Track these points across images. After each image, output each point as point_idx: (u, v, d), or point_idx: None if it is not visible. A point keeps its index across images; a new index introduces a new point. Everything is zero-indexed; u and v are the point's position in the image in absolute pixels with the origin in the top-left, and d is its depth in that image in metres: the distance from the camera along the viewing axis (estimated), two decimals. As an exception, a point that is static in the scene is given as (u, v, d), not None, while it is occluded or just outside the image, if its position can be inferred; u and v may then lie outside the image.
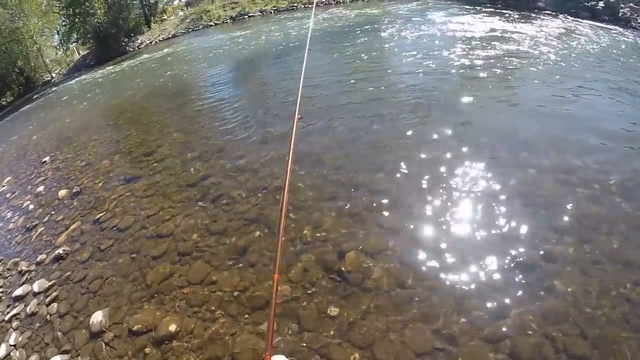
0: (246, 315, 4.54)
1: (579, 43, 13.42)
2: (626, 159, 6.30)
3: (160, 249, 5.79)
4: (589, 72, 10.40)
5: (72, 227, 7.14)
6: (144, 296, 5.17)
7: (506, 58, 11.77)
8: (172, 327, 4.59)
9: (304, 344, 4.12)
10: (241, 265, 5.18)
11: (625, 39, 14.07)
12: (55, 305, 5.56)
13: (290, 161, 3.07)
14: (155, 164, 8.46)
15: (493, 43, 13.48)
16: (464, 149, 6.73)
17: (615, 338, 3.86)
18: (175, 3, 48.85)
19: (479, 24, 16.67)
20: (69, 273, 6.04)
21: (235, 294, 4.83)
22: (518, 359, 3.78)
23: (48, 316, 5.42)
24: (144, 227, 6.39)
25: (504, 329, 3.99)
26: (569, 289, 4.31)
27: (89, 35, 38.31)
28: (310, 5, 34.18)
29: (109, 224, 6.76)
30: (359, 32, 18.30)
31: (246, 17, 36.77)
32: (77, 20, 37.48)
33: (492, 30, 15.40)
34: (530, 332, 3.94)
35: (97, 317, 5.00)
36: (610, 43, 13.50)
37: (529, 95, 8.96)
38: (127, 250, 6.03)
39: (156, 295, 5.14)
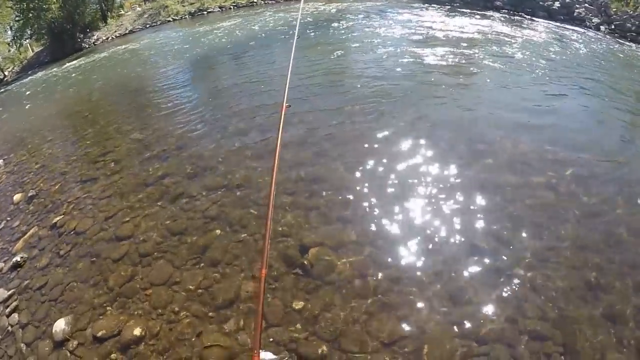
0: (211, 314, 4.54)
1: (533, 41, 13.85)
2: (580, 148, 6.58)
3: (121, 251, 5.71)
4: (543, 69, 10.87)
5: (29, 232, 6.96)
6: (106, 301, 5.09)
7: (462, 55, 12.15)
8: (137, 331, 4.53)
9: (271, 339, 4.16)
10: (203, 264, 5.16)
11: (579, 37, 14.55)
12: (15, 315, 5.43)
13: (277, 155, 3.05)
14: (112, 164, 8.29)
15: (449, 40, 13.89)
16: (422, 143, 6.93)
17: (576, 317, 4.05)
18: None
19: (438, 22, 16.94)
20: (28, 281, 5.89)
21: (199, 292, 4.82)
22: (483, 342, 3.92)
23: (9, 327, 5.28)
24: (102, 229, 6.28)
25: (467, 314, 4.13)
26: (528, 274, 4.47)
27: (43, 31, 36.85)
28: (269, 2, 33.91)
29: (67, 228, 6.62)
30: (325, 28, 18.21)
31: (205, 13, 36.07)
32: (30, 15, 36.02)
33: (449, 28, 15.72)
34: (493, 317, 4.08)
35: (60, 325, 4.90)
36: (564, 41, 14.02)
37: (484, 90, 9.38)
38: (87, 254, 5.91)
39: (119, 298, 5.07)
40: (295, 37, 5.79)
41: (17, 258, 6.30)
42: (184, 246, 5.50)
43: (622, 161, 6.55)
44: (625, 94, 9.79)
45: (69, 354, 4.61)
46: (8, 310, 5.52)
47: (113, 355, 4.43)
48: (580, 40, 14.56)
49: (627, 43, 15.09)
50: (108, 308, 5.00)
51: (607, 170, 6.26)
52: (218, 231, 5.59)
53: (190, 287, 4.89)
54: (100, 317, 4.90)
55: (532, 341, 3.93)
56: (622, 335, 3.97)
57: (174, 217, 6.05)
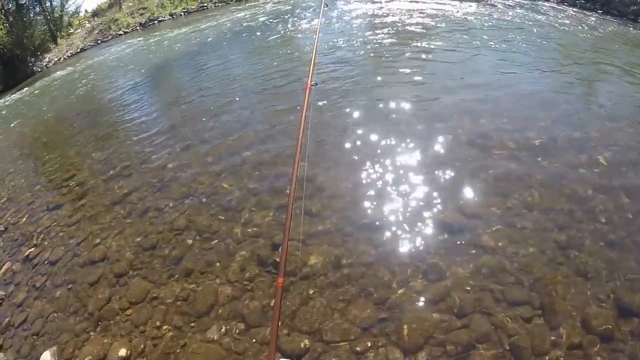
0: (192, 324, 4.53)
1: (493, 16, 14.02)
2: (537, 116, 6.72)
3: (96, 275, 5.66)
4: (499, 43, 11.06)
5: (3, 269, 6.85)
6: (88, 326, 5.04)
7: (419, 35, 12.38)
8: (123, 352, 4.50)
9: (254, 340, 4.18)
10: (178, 275, 5.13)
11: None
12: (1, 355, 5.40)
13: (298, 155, 3.01)
14: (77, 188, 8.18)
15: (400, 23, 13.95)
16: (382, 126, 7.01)
17: (550, 279, 4.12)
18: (82, 14, 46.50)
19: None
20: (8, 318, 5.80)
21: (178, 304, 4.80)
22: (461, 315, 3.98)
23: (-4, 368, 5.25)
24: (75, 255, 6.22)
25: (443, 289, 4.18)
26: (498, 243, 4.55)
27: (-7, 59, 36.13)
28: (220, 4, 33.63)
29: (40, 259, 6.53)
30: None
31: (156, 22, 35.70)
32: (-22, 43, 35.23)
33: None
34: (468, 288, 4.14)
35: (46, 358, 4.87)
36: (525, 17, 14.25)
37: (440, 70, 9.54)
38: (63, 282, 5.85)
39: (100, 322, 5.03)
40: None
41: (-6, 297, 6.23)
42: (157, 260, 5.46)
43: (578, 124, 6.71)
44: (578, 62, 10.04)
45: (58, 386, 4.58)
46: (-7, 351, 5.46)
47: (102, 380, 4.40)
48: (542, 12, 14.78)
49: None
50: (91, 333, 4.95)
51: (565, 134, 6.39)
52: (189, 241, 5.56)
53: (169, 300, 4.87)
54: (85, 343, 4.84)
55: (510, 308, 4.00)
56: (598, 290, 4.06)
57: (144, 233, 6.00)
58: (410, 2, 17.45)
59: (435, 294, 4.16)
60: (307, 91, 3.95)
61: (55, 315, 5.48)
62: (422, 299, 4.15)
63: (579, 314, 3.91)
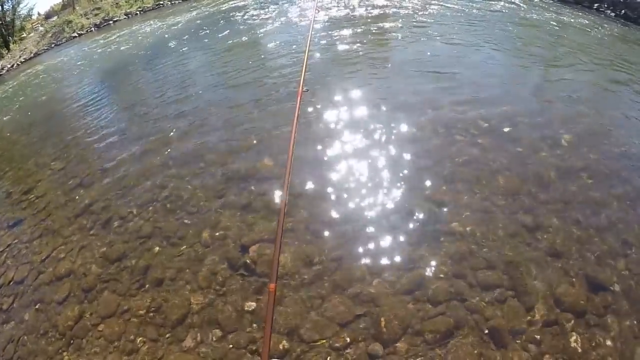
0: (167, 335, 4.44)
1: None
2: (498, 101, 6.82)
3: (64, 291, 5.48)
4: (461, 33, 11.10)
5: (-33, 293, 6.66)
6: (60, 347, 4.88)
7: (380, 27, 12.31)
8: (97, 370, 4.41)
9: (231, 346, 4.11)
10: (148, 285, 5.01)
11: None
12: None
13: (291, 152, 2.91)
14: (37, 201, 7.93)
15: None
16: (340, 119, 7.08)
17: (521, 260, 4.17)
18: (35, 17, 45.04)
19: None
20: (-24, 345, 5.65)
21: (151, 315, 4.69)
22: (437, 302, 3.99)
23: (-33, 401, 5.08)
24: (40, 272, 6.01)
25: (416, 280, 4.19)
26: (467, 229, 4.57)
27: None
28: (176, 1, 33.05)
29: (5, 280, 6.30)
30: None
31: (112, 22, 34.84)
32: None
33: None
34: (442, 276, 4.15)
35: (20, 384, 4.74)
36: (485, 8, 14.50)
37: (402, 60, 9.52)
38: (30, 302, 5.66)
39: (73, 341, 4.88)
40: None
41: (-41, 323, 6.01)
42: (125, 272, 5.32)
43: (539, 108, 6.82)
44: (536, 45, 10.24)
45: (34, 410, 4.45)
46: (-37, 382, 5.28)
47: (78, 401, 4.29)
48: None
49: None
50: (64, 354, 4.79)
51: (527, 119, 6.48)
52: (156, 248, 5.43)
53: (140, 312, 4.75)
54: (58, 365, 4.73)
55: (484, 291, 4.04)
56: (568, 268, 4.16)
57: (110, 244, 5.84)
58: None
59: (410, 284, 4.17)
60: (299, 98, 3.83)
61: (25, 338, 5.29)
62: (397, 289, 4.15)
63: (551, 292, 3.98)
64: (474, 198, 5.05)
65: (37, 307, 5.53)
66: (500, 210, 4.83)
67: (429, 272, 4.25)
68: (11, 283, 6.17)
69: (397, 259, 4.42)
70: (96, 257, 5.76)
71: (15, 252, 6.75)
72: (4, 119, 16.98)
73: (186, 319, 4.51)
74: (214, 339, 4.23)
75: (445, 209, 4.94)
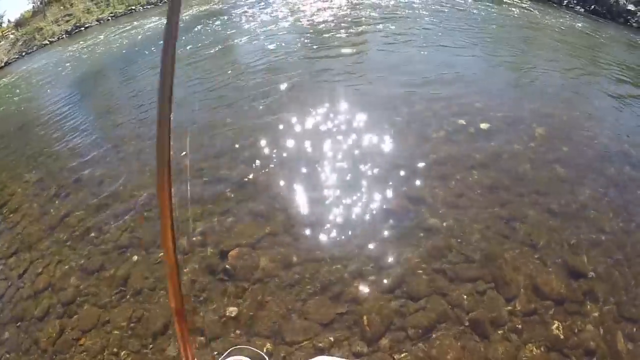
0: (151, 346, 4.39)
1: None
2: (469, 100, 6.90)
3: (43, 307, 5.39)
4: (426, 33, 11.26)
5: (-57, 316, 6.52)
6: (42, 363, 4.86)
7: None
8: (82, 385, 4.35)
9: (215, 353, 4.08)
10: (128, 295, 4.97)
11: None
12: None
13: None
14: (11, 215, 7.79)
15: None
16: (318, 120, 7.17)
17: (498, 253, 4.21)
18: (4, 25, 44.27)
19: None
20: (-45, 369, 5.53)
21: (132, 326, 4.65)
22: (418, 298, 4.02)
23: None
24: (19, 288, 5.90)
25: (396, 277, 4.21)
26: (444, 224, 4.61)
27: None
28: (148, 6, 32.87)
29: (-18, 298, 6.24)
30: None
31: (83, 29, 34.46)
32: None
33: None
34: (420, 271, 4.18)
35: (3, 405, 4.64)
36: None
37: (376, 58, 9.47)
38: (10, 320, 5.54)
39: (55, 357, 4.81)
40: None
41: (-64, 345, 5.87)
42: (104, 283, 5.26)
43: (512, 103, 6.92)
44: (512, 45, 10.39)
45: None
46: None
47: (63, 417, 4.22)
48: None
49: None
50: (47, 370, 4.76)
51: (500, 114, 6.57)
52: (135, 257, 5.39)
53: (122, 323, 4.70)
54: (43, 382, 4.66)
55: (463, 284, 4.09)
56: (546, 258, 4.23)
57: (87, 256, 5.76)
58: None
59: (390, 281, 4.20)
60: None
61: (8, 356, 5.21)
62: (377, 288, 4.17)
63: (530, 282, 4.04)
64: (450, 194, 5.12)
65: (17, 324, 5.43)
66: (476, 205, 4.90)
67: (408, 268, 4.28)
68: (-11, 301, 6.06)
69: (376, 257, 4.46)
70: (74, 270, 5.67)
71: (-9, 270, 6.63)
72: (-25, 131, 16.73)
73: (168, 328, 4.46)
74: (197, 346, 4.18)
75: (421, 206, 5.00)
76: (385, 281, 4.20)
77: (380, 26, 12.62)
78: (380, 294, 4.11)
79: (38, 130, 12.73)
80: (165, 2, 31.29)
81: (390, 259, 4.39)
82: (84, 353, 4.63)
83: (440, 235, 4.57)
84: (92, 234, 6.11)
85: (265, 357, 1.21)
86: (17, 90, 21.32)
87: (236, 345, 1.61)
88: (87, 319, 4.96)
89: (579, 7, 15.80)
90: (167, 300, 4.72)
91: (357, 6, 15.17)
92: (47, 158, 9.76)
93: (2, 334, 5.39)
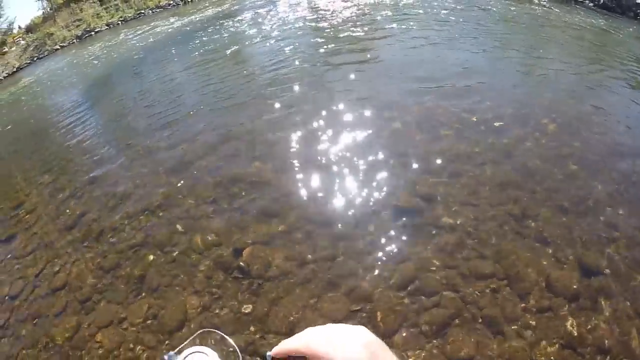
0: (166, 342, 4.44)
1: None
2: (481, 96, 6.87)
3: (60, 304, 5.47)
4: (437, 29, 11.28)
5: (-39, 310, 6.62)
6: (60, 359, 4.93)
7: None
8: (98, 380, 4.41)
9: (230, 350, 4.11)
10: (144, 293, 5.02)
11: None
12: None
13: None
14: (28, 216, 7.90)
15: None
16: (330, 118, 7.19)
17: (512, 249, 4.22)
18: (15, 31, 44.64)
19: None
20: (-28, 364, 5.62)
21: (148, 323, 4.70)
22: (431, 294, 4.03)
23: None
24: (36, 286, 6.00)
25: (410, 272, 4.22)
26: (457, 221, 4.61)
27: None
28: (157, 9, 33.10)
29: (0, 296, 6.34)
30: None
31: (93, 33, 34.77)
32: None
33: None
34: (433, 268, 4.19)
35: (19, 400, 4.72)
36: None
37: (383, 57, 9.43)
38: (27, 317, 5.64)
39: (71, 353, 4.87)
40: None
41: (-45, 341, 5.97)
42: (120, 281, 5.33)
43: (522, 99, 6.91)
44: (523, 41, 10.36)
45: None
46: (-40, 397, 5.26)
47: (77, 412, 4.28)
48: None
49: None
50: (64, 367, 4.83)
51: (511, 110, 6.56)
52: (150, 257, 5.44)
53: (138, 320, 4.76)
54: (57, 378, 4.73)
55: (477, 281, 4.09)
56: (559, 254, 4.22)
57: (104, 254, 5.84)
58: None
59: (403, 278, 4.20)
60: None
61: (24, 352, 5.28)
62: (390, 284, 4.18)
63: (544, 278, 4.03)
64: (462, 190, 5.11)
65: (34, 322, 5.51)
66: (488, 201, 4.90)
67: (422, 265, 4.29)
68: (7, 298, 6.15)
69: (390, 253, 4.46)
70: (91, 268, 5.75)
71: (9, 268, 6.72)
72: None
73: (184, 325, 4.51)
74: (214, 342, 4.20)
75: (434, 203, 5.00)
76: (398, 278, 4.21)
77: (395, 25, 12.55)
78: (394, 291, 4.13)
79: (52, 134, 12.92)
80: (173, 5, 31.43)
81: (404, 256, 4.41)
82: (100, 349, 4.70)
83: (453, 231, 4.58)
84: (108, 234, 6.19)
85: (234, 345, 1.20)
86: (30, 95, 21.57)
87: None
88: (103, 316, 5.02)
89: (587, 1, 15.67)
90: (182, 298, 4.79)
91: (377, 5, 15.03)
92: (61, 160, 9.92)
93: (20, 331, 5.47)
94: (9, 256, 7.00)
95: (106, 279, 5.46)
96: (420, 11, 13.50)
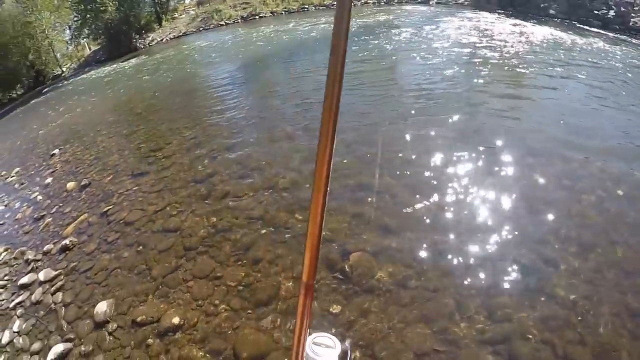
0: (249, 311, 4.57)
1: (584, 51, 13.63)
2: (633, 163, 6.34)
3: (167, 243, 5.84)
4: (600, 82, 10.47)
5: (80, 219, 7.19)
6: (148, 288, 5.20)
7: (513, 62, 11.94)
8: (176, 320, 4.62)
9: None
10: (245, 261, 5.21)
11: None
12: (60, 294, 5.60)
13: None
14: (163, 160, 8.52)
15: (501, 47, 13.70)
16: (463, 146, 6.94)
17: (614, 345, 3.90)
18: (187, 1, 48.67)
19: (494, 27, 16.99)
20: (75, 263, 6.07)
21: (240, 288, 4.87)
22: (516, 362, 3.83)
23: (53, 305, 5.45)
24: (150, 220, 6.45)
25: (503, 333, 4.02)
26: (570, 296, 4.34)
27: (100, 31, 38.61)
28: (321, 7, 34.49)
29: (116, 217, 6.82)
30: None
31: (257, 17, 36.94)
32: (88, 15, 37.76)
33: (503, 36, 15.64)
34: (529, 337, 3.97)
35: (102, 308, 5.03)
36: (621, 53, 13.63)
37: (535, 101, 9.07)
38: (134, 243, 6.08)
39: (161, 287, 5.18)
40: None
41: (66, 241, 6.52)
42: (227, 243, 5.58)
43: None
44: None
45: (107, 335, 4.74)
46: (53, 289, 5.72)
47: (150, 341, 4.51)
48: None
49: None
50: (150, 296, 5.11)
51: None
52: (263, 231, 5.65)
53: (231, 283, 4.95)
54: (141, 303, 5.02)
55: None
56: None
57: (220, 215, 6.16)
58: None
59: (495, 336, 4.02)
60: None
61: (119, 271, 5.68)
62: (481, 338, 4.02)
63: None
64: (586, 265, 4.73)
65: (138, 249, 5.94)
66: (609, 286, 4.52)
67: (517, 329, 4.07)
68: (121, 222, 6.66)
69: (491, 307, 4.27)
70: (204, 223, 6.09)
71: (132, 198, 7.27)
72: (149, 83, 18.45)
73: (271, 302, 4.61)
74: (291, 328, 4.27)
75: (553, 269, 4.68)
76: (491, 335, 4.04)
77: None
78: (482, 346, 3.96)
79: (202, 96, 13.95)
80: (332, 7, 32.39)
81: (505, 314, 4.21)
82: (188, 294, 4.98)
83: (562, 306, 4.29)
84: (230, 199, 6.53)
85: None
86: (190, 59, 23.30)
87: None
88: (201, 268, 5.31)
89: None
90: (279, 277, 4.89)
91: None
92: (205, 122, 10.68)
93: (123, 252, 5.91)
94: (135, 188, 7.59)
95: (215, 237, 5.75)
96: (597, 61, 12.68)
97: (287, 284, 4.77)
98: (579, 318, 4.15)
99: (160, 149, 9.18)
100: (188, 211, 6.43)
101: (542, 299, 4.33)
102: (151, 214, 6.61)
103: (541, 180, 6.05)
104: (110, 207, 7.19)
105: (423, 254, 4.93)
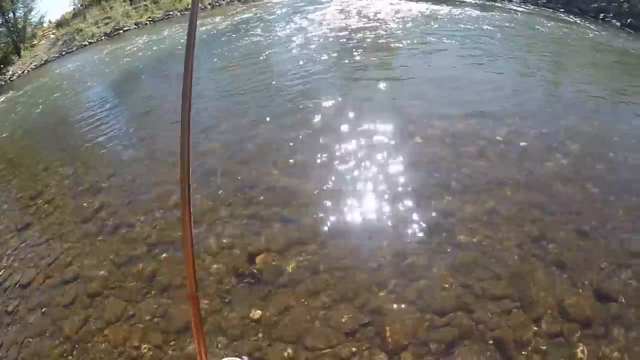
0: (172, 342, 4.44)
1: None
2: (504, 116, 6.77)
3: (70, 296, 5.51)
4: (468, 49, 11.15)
5: (-27, 292, 6.69)
6: (65, 350, 4.90)
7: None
8: (102, 377, 4.42)
9: (237, 353, 4.11)
10: (154, 292, 5.03)
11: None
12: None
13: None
14: (45, 206, 7.98)
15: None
16: (352, 132, 7.10)
17: (527, 271, 4.15)
18: (45, 25, 45.15)
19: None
20: (-19, 346, 5.66)
21: (156, 321, 4.71)
22: (443, 313, 3.97)
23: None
24: (47, 276, 6.04)
25: (422, 289, 4.15)
26: (474, 239, 4.53)
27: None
28: (186, 12, 33.40)
29: (11, 282, 6.34)
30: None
31: (121, 31, 35.22)
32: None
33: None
34: (446, 286, 4.13)
35: (23, 385, 4.74)
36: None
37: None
38: (36, 305, 5.68)
39: (77, 345, 4.89)
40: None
41: (-35, 325, 6.02)
42: (131, 278, 5.35)
43: (545, 119, 6.81)
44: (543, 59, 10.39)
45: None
46: (-33, 381, 5.30)
47: (81, 408, 4.29)
48: None
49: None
50: (69, 357, 4.82)
51: (533, 131, 6.48)
52: (163, 255, 5.47)
53: (146, 317, 4.77)
54: (62, 369, 4.75)
55: (489, 302, 4.02)
56: (574, 279, 4.13)
57: (117, 250, 5.87)
58: None
59: (415, 294, 4.15)
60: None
61: (30, 340, 5.31)
62: (402, 300, 4.13)
63: (557, 303, 3.95)
64: (480, 209, 5.03)
65: (43, 310, 5.56)
66: (506, 222, 4.82)
67: (435, 282, 4.23)
68: (17, 286, 6.21)
69: (404, 269, 4.41)
70: (103, 262, 5.79)
71: (22, 256, 6.79)
72: (15, 123, 17.13)
73: (191, 326, 4.47)
74: (220, 346, 4.22)
75: (451, 220, 4.93)
76: (410, 293, 4.16)
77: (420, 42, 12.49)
78: (405, 307, 4.08)
79: (74, 127, 13.10)
80: (202, 8, 31.65)
81: (418, 271, 4.35)
82: (106, 343, 4.73)
83: (469, 250, 4.51)
84: (123, 230, 6.24)
85: None
86: (57, 88, 21.84)
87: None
88: (112, 311, 5.05)
89: (614, 20, 15.43)
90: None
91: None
92: (82, 154, 10.06)
93: (28, 318, 5.52)
94: (22, 245, 7.08)
95: (117, 275, 5.53)
96: (470, 26, 13.35)
97: (201, 303, 4.64)
98: (487, 256, 4.35)
99: (40, 193, 8.58)
100: (83, 255, 6.08)
101: (449, 249, 4.51)
102: (45, 268, 6.20)
103: (424, 142, 6.26)
104: (1, 272, 6.70)
105: (325, 235, 4.97)
